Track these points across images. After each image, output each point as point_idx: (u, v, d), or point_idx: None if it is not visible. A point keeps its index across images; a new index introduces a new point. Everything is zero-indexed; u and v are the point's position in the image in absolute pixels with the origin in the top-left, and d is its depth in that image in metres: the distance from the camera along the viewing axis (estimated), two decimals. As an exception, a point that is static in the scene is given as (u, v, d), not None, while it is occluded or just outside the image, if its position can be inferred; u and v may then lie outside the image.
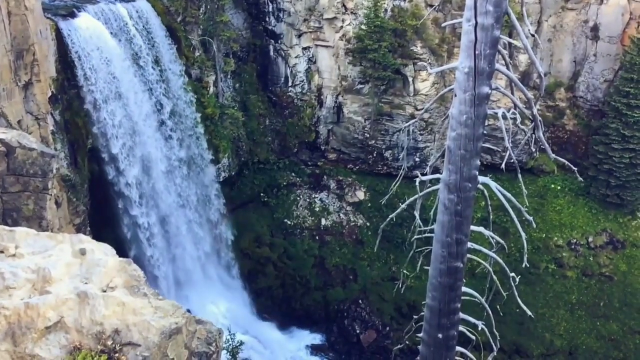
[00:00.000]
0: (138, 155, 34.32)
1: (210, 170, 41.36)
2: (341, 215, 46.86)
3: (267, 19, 45.04)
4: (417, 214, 15.15)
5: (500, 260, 14.70)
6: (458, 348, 15.10)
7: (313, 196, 47.54)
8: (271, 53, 45.97)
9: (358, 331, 42.55)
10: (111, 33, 31.73)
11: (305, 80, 46.56)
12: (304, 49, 45.59)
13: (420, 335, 15.06)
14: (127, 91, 33.02)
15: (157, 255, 36.41)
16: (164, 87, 36.23)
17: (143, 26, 34.73)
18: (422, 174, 14.35)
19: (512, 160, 13.29)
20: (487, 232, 14.51)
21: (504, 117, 12.94)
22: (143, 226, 35.17)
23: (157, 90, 35.87)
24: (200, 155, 40.21)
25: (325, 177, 48.44)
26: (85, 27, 29.89)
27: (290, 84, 46.71)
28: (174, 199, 38.20)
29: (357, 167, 48.47)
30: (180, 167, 38.33)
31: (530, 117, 12.59)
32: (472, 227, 13.71)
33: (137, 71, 34.10)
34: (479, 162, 12.43)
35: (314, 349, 42.19)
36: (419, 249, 15.82)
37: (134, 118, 33.67)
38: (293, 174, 48.24)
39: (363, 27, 42.95)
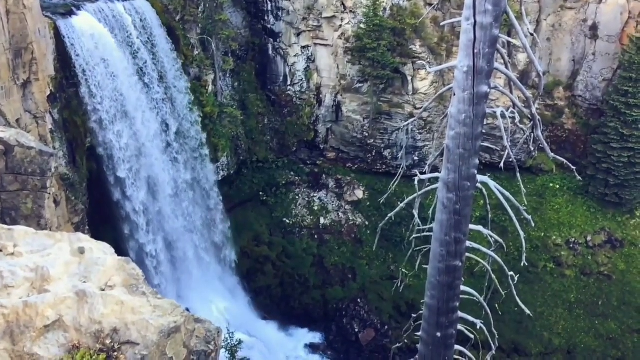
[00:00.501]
0: (145, 179, 33.34)
1: (215, 191, 40.76)
2: (340, 214, 46.86)
3: (266, 18, 45.00)
4: (416, 212, 15.17)
5: (499, 259, 14.72)
6: (457, 347, 15.12)
7: (312, 195, 47.54)
8: (270, 52, 45.94)
9: (357, 330, 42.58)
10: (115, 40, 30.50)
11: (304, 79, 46.54)
12: (303, 47, 45.56)
13: (419, 334, 15.08)
14: (134, 110, 31.75)
15: (165, 284, 35.92)
16: (169, 106, 35.04)
17: (148, 38, 33.27)
18: (421, 173, 14.36)
19: (510, 159, 13.30)
20: (485, 231, 14.52)
21: (503, 116, 12.96)
22: (150, 254, 34.34)
23: (163, 109, 34.61)
24: (206, 177, 39.69)
25: (324, 176, 48.43)
26: (90, 35, 28.81)
27: (289, 82, 46.69)
28: (181, 224, 37.47)
29: (356, 166, 48.46)
30: (186, 190, 37.57)
31: (529, 116, 12.60)
32: (471, 226, 13.72)
33: (143, 88, 32.88)
34: (477, 161, 12.44)
35: (313, 348, 42.21)
36: (418, 248, 15.83)
37: (141, 139, 32.55)
38: (292, 173, 48.23)
39: (362, 26, 42.93)
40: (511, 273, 14.57)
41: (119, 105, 30.71)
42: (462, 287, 14.16)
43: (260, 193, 46.69)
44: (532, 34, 13.00)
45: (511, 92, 13.11)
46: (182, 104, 36.55)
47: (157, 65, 33.94)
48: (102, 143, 30.63)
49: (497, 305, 16.89)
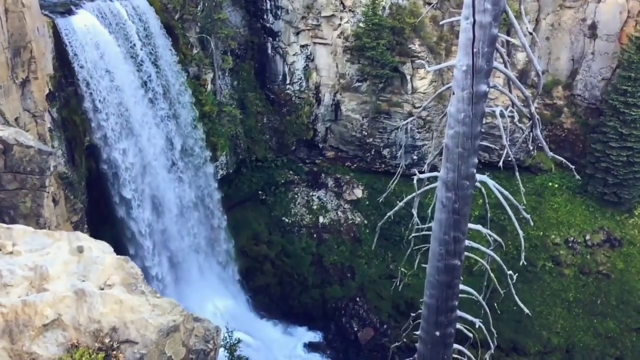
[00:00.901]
0: (150, 198, 32.52)
1: (220, 210, 40.25)
2: (339, 213, 46.86)
3: (265, 17, 44.96)
4: (414, 212, 15.17)
5: (498, 258, 14.73)
6: (455, 345, 15.13)
7: (311, 194, 47.54)
8: (269, 51, 45.91)
9: (356, 329, 42.59)
10: (120, 50, 29.24)
11: (303, 78, 46.52)
12: (302, 46, 45.53)
13: (418, 332, 15.09)
14: (140, 126, 30.68)
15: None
16: (174, 123, 34.00)
17: (151, 50, 32.03)
18: (420, 172, 14.37)
19: (509, 158, 13.31)
20: (484, 230, 14.53)
21: (502, 115, 12.96)
22: (157, 277, 33.64)
23: (168, 126, 33.58)
24: (210, 195, 39.27)
25: (323, 175, 48.43)
26: (94, 45, 27.80)
27: (288, 81, 46.66)
28: (187, 243, 36.99)
29: (355, 165, 48.46)
30: (191, 210, 36.98)
31: (528, 115, 12.61)
32: (470, 225, 13.73)
33: (148, 103, 31.83)
34: (476, 160, 12.44)
35: (312, 347, 42.21)
36: (417, 247, 15.84)
37: (146, 158, 31.63)
38: (291, 172, 48.22)
39: (361, 25, 42.91)
40: (510, 272, 14.58)
41: (123, 121, 29.69)
42: (461, 286, 14.17)
43: (259, 192, 46.68)
44: (531, 33, 12.99)
45: (510, 91, 13.11)
46: (187, 121, 35.70)
47: (161, 79, 32.86)
48: (106, 160, 29.82)
49: (495, 304, 16.88)
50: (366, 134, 46.89)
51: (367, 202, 47.17)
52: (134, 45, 30.99)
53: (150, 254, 33.21)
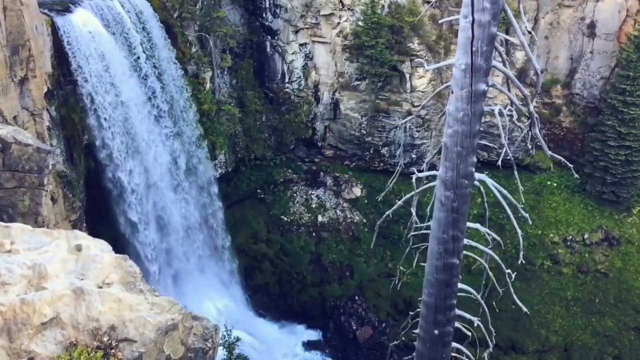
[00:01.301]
0: (156, 219, 32.00)
1: (223, 228, 40.16)
2: (338, 211, 46.87)
3: (263, 15, 44.93)
4: (413, 210, 15.17)
5: (496, 257, 14.74)
6: (454, 344, 15.15)
7: (310, 193, 47.53)
8: (268, 49, 45.88)
9: (354, 327, 42.62)
10: (127, 62, 28.24)
11: (302, 77, 46.50)
12: (301, 45, 45.50)
13: (417, 331, 15.11)
14: (146, 145, 29.88)
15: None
16: (179, 141, 33.35)
17: (155, 64, 31.01)
18: (419, 171, 14.37)
19: (508, 157, 13.32)
20: (483, 229, 14.54)
21: (501, 114, 12.97)
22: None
23: (173, 144, 32.86)
24: (214, 215, 39.08)
25: (321, 173, 48.43)
26: (98, 55, 26.96)
27: (287, 80, 46.64)
28: (192, 265, 36.71)
29: (353, 164, 48.46)
30: (197, 231, 36.72)
31: (527, 114, 12.61)
32: (468, 224, 13.75)
33: (154, 120, 30.97)
34: (475, 159, 12.45)
35: (310, 345, 42.24)
36: (416, 246, 15.85)
37: (153, 178, 30.85)
38: (290, 171, 48.21)
39: (360, 23, 42.89)
40: (508, 271, 14.59)
41: (129, 140, 28.91)
42: (460, 285, 14.19)
43: (258, 191, 46.67)
44: (530, 32, 13.00)
45: (509, 90, 13.12)
46: (191, 139, 35.15)
47: (166, 95, 31.95)
48: (111, 179, 29.39)
49: (494, 303, 16.90)
50: (365, 132, 46.89)
51: (366, 201, 47.18)
52: (138, 57, 30.21)
53: (157, 279, 32.86)
